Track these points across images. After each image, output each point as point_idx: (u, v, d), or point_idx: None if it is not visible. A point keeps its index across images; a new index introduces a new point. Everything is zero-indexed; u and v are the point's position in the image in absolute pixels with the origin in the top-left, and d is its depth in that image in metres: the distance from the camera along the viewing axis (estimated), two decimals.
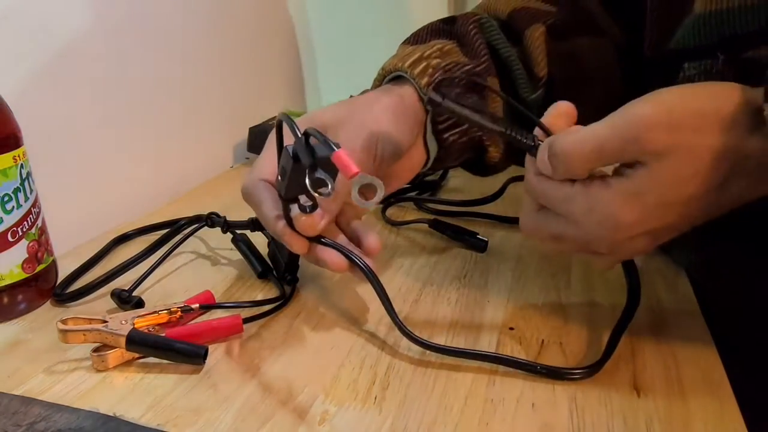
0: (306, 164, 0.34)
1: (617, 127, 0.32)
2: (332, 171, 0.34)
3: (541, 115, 0.38)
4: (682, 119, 0.31)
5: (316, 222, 0.40)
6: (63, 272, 0.49)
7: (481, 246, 0.54)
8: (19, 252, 0.43)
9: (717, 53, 0.39)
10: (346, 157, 0.32)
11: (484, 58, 0.47)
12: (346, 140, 0.41)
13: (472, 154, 0.49)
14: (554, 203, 0.36)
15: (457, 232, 0.56)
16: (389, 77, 0.47)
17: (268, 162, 0.42)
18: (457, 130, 0.46)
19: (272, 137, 0.42)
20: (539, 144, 0.36)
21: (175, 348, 0.38)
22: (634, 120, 0.32)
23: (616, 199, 0.33)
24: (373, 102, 0.44)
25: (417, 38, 0.49)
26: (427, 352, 0.39)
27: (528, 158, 0.38)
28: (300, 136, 0.35)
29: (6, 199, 0.42)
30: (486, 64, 0.47)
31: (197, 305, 0.42)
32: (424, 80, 0.44)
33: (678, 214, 0.33)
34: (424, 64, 0.45)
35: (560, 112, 0.37)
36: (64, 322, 0.38)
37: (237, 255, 0.53)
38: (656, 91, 0.32)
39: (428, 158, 0.47)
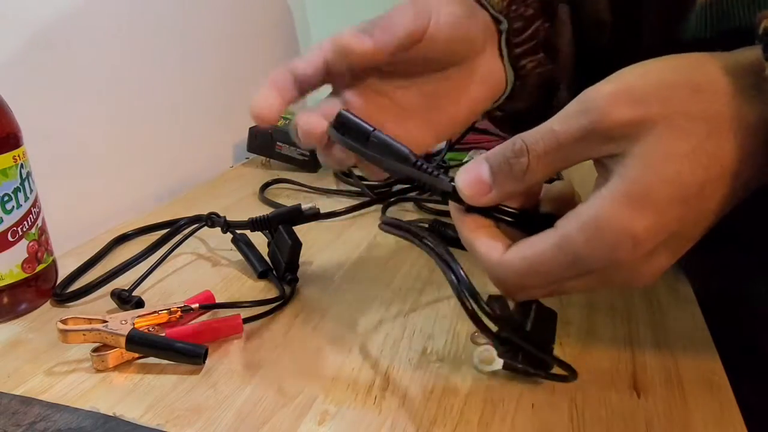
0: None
1: (572, 113, 0.28)
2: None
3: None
4: (646, 92, 0.27)
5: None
6: (63, 272, 0.49)
7: None
8: (19, 252, 0.43)
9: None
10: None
11: None
12: (403, 8, 0.43)
13: (544, 94, 0.49)
14: (543, 272, 0.31)
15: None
16: None
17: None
18: (534, 56, 0.47)
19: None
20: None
21: (175, 348, 0.38)
22: (589, 101, 0.28)
23: (621, 207, 0.27)
24: None
25: None
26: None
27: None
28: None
29: (6, 199, 0.42)
30: None
31: (197, 305, 0.42)
32: None
33: (697, 210, 0.28)
34: None
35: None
36: (64, 322, 0.38)
37: (237, 255, 0.53)
38: (619, 71, 0.29)
39: (506, 86, 0.48)
